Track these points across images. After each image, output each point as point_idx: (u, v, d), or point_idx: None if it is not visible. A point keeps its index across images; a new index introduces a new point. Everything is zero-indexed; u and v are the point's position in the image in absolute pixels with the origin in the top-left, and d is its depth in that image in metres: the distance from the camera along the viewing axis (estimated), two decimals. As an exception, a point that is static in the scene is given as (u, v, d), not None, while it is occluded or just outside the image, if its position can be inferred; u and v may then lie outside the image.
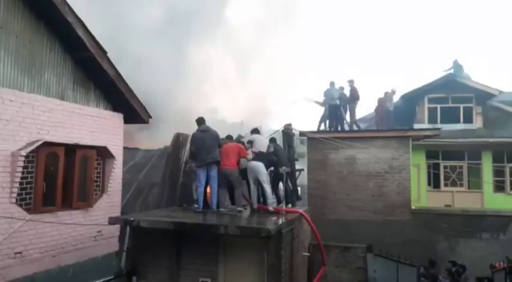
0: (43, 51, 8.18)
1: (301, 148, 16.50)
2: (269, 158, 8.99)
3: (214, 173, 8.57)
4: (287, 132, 12.32)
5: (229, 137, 9.82)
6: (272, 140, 10.09)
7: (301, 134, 14.09)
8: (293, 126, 12.72)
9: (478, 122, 16.91)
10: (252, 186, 8.72)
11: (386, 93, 17.40)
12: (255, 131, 10.51)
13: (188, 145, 11.67)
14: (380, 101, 17.24)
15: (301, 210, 9.34)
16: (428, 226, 12.98)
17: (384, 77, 46.54)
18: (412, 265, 9.81)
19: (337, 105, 15.71)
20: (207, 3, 20.22)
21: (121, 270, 8.01)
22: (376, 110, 17.52)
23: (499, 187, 16.13)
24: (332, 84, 16.26)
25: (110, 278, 7.96)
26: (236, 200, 8.91)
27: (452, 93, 16.96)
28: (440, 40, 50.80)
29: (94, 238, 9.19)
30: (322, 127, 16.60)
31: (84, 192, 9.02)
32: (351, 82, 16.52)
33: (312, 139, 13.95)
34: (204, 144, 8.55)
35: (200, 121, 8.96)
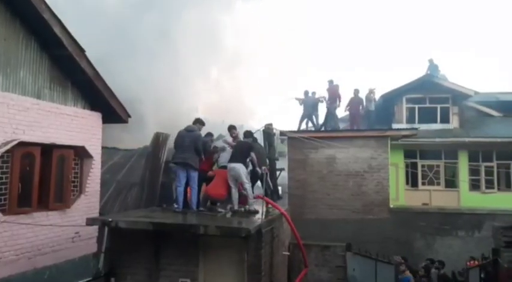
0: (18, 49, 7.99)
1: (282, 147, 16.60)
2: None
3: (193, 173, 8.49)
4: (268, 131, 12.38)
5: (210, 134, 9.75)
6: (254, 140, 10.11)
7: (282, 133, 14.16)
8: (274, 125, 12.81)
9: (454, 122, 17.28)
10: (233, 187, 8.66)
11: (356, 93, 17.13)
12: (201, 123, 9.41)
13: (167, 145, 11.67)
14: (352, 101, 16.99)
15: (283, 209, 9.40)
16: (406, 224, 13.21)
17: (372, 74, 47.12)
18: (390, 263, 9.98)
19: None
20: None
21: (99, 272, 7.94)
22: (348, 109, 17.25)
23: (475, 186, 16.48)
24: (306, 93, 16.52)
25: (87, 279, 7.88)
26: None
27: (430, 94, 17.29)
28: (426, 38, 51.70)
29: (71, 239, 9.03)
30: (304, 126, 16.73)
31: (61, 192, 8.86)
32: (330, 82, 16.58)
33: (293, 139, 14.02)
34: (182, 144, 8.51)
35: (195, 121, 8.95)
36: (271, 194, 10.99)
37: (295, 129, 15.97)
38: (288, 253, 10.10)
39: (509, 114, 18.31)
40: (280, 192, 13.44)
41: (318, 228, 12.63)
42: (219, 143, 10.20)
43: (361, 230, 12.73)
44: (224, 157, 9.30)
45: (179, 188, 8.57)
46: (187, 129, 8.70)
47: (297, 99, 16.98)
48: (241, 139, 9.49)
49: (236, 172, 8.46)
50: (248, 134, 9.60)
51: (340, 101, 16.53)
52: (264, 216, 8.20)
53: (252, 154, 8.87)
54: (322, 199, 13.67)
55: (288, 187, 14.21)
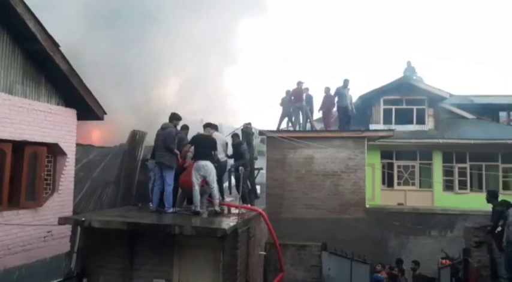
0: (-11, 43, 7.77)
1: (261, 147, 16.61)
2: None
3: (167, 172, 8.31)
4: (246, 131, 12.35)
5: (186, 127, 9.63)
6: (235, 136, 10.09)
7: (261, 132, 14.17)
8: (252, 125, 12.78)
9: (429, 124, 17.64)
10: (196, 186, 8.18)
11: (327, 91, 15.99)
12: (214, 127, 9.44)
13: (144, 143, 11.52)
14: (324, 100, 16.10)
15: (260, 209, 9.40)
16: (381, 224, 13.41)
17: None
18: (365, 262, 10.12)
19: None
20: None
21: (71, 272, 7.79)
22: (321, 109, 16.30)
23: (448, 186, 16.91)
24: (287, 92, 16.02)
25: (59, 280, 7.70)
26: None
27: (406, 96, 17.60)
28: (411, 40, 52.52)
29: (43, 239, 8.81)
30: (284, 126, 16.66)
31: (33, 190, 8.63)
32: (298, 83, 15.75)
33: (272, 138, 14.05)
34: (157, 142, 8.45)
35: (171, 117, 8.80)
36: (249, 193, 10.98)
37: (275, 128, 15.91)
38: (264, 253, 10.12)
39: (482, 116, 18.84)
40: (258, 191, 13.45)
41: (295, 227, 12.71)
42: None
43: (338, 230, 12.87)
44: None
45: (155, 187, 8.49)
46: (162, 127, 8.60)
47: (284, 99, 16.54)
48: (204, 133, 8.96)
49: (207, 171, 8.16)
50: (213, 126, 9.19)
51: (304, 101, 15.65)
52: (240, 216, 8.17)
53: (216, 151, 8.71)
54: (300, 198, 13.75)
55: (266, 186, 14.24)
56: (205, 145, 8.37)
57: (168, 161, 8.26)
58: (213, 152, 8.46)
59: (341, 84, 15.41)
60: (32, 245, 8.48)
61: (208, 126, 8.91)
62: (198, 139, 8.48)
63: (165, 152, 8.28)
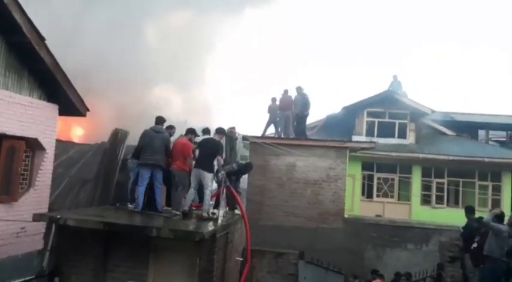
0: (-28, 32, 7.60)
1: (245, 152, 16.58)
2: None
3: (160, 174, 8.44)
4: (230, 135, 12.32)
5: (171, 127, 9.58)
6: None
7: (245, 138, 14.16)
8: (237, 129, 12.77)
9: (410, 138, 17.91)
10: (192, 189, 8.39)
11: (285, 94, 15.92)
12: (205, 131, 10.20)
13: (126, 142, 11.38)
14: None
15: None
16: (359, 235, 13.50)
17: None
18: (340, 272, 10.16)
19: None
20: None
21: (43, 270, 7.60)
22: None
23: (426, 200, 17.19)
24: (273, 100, 16.24)
25: (30, 278, 7.51)
26: (174, 202, 8.75)
27: (390, 109, 17.85)
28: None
29: (16, 235, 8.61)
30: (271, 132, 16.66)
31: (8, 185, 8.46)
32: (298, 89, 15.73)
33: (255, 144, 14.07)
34: (151, 145, 8.36)
35: (158, 120, 8.78)
36: (231, 198, 10.91)
37: (261, 134, 15.92)
38: (241, 259, 10.06)
39: (462, 133, 19.24)
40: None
41: (274, 234, 12.69)
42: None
43: (316, 239, 12.91)
44: None
45: (141, 188, 8.38)
46: (156, 130, 8.58)
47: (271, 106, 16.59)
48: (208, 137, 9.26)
49: (201, 172, 8.22)
50: (205, 130, 9.65)
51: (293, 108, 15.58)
52: (220, 221, 8.13)
53: (219, 157, 8.75)
54: (280, 206, 13.77)
55: (247, 192, 14.20)
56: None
57: (163, 163, 8.41)
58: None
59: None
60: (4, 240, 8.28)
61: (163, 121, 8.91)
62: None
63: (163, 155, 8.38)
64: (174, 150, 8.65)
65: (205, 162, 8.32)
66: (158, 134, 8.52)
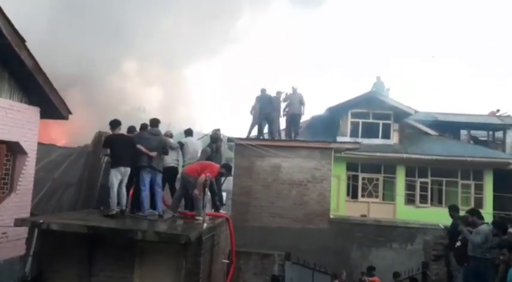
0: (-51, 34, 7.42)
1: (230, 154, 16.53)
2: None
3: (158, 178, 8.48)
4: (215, 136, 12.26)
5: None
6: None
7: (229, 139, 14.12)
8: (221, 131, 12.72)
9: (394, 138, 18.11)
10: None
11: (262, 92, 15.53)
12: (188, 132, 10.37)
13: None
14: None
15: (227, 215, 9.35)
16: (344, 235, 13.60)
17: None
18: (327, 273, 10.22)
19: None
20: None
21: (25, 276, 7.45)
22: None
23: (410, 200, 17.39)
24: (258, 99, 15.45)
25: (11, 284, 7.36)
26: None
27: (373, 110, 18.01)
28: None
29: (-3, 240, 8.44)
30: (255, 133, 16.60)
31: (-12, 190, 8.29)
32: (293, 89, 15.51)
33: (240, 145, 14.06)
34: (148, 147, 8.27)
35: (153, 123, 8.75)
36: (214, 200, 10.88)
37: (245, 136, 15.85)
38: (227, 261, 10.04)
39: (444, 133, 19.53)
40: (224, 198, 13.36)
41: (260, 235, 12.71)
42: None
43: (302, 239, 12.96)
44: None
45: (144, 193, 8.29)
46: (152, 133, 8.56)
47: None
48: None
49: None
50: (188, 131, 10.22)
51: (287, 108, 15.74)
52: (205, 224, 8.08)
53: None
54: (266, 207, 13.79)
55: (232, 193, 14.20)
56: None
57: (161, 167, 8.58)
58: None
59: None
60: (-16, 246, 8.10)
61: (158, 123, 8.94)
62: None
63: (160, 157, 8.44)
64: (201, 162, 8.86)
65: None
66: (154, 136, 8.52)
